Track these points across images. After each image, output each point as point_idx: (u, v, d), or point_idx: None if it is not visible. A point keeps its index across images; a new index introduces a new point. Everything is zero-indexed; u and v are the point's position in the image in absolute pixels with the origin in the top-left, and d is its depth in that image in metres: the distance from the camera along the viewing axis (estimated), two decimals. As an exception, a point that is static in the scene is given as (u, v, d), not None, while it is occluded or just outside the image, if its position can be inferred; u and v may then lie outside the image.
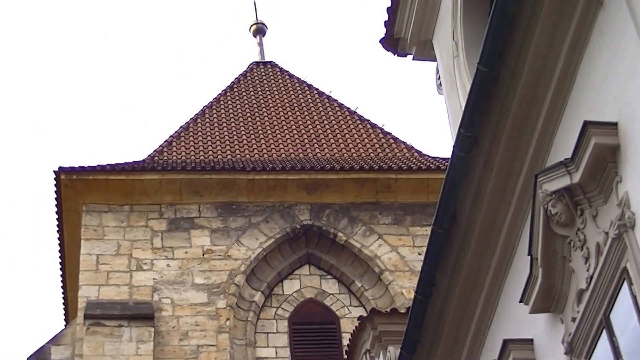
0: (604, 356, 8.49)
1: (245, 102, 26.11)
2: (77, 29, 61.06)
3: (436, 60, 13.44)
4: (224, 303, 20.09)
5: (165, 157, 22.84)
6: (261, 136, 24.26)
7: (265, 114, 25.48)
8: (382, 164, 22.12)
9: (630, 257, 7.98)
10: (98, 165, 21.51)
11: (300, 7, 61.38)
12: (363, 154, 23.34)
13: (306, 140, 24.09)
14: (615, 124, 8.19)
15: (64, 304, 23.14)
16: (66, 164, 21.25)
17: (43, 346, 20.02)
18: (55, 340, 20.25)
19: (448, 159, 11.05)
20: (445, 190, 10.52)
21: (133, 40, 60.95)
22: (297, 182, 21.46)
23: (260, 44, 29.83)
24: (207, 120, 25.07)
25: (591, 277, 8.54)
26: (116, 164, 21.69)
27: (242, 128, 24.66)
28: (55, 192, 21.21)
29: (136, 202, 21.23)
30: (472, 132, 9.99)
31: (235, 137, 24.18)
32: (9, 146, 56.74)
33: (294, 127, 24.77)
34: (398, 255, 20.95)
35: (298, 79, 27.56)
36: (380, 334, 14.61)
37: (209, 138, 24.07)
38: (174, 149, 23.44)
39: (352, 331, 15.96)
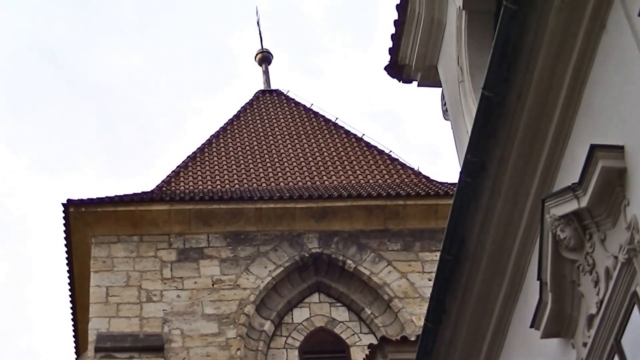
0: (617, 381, 8.42)
1: (252, 130, 26.12)
2: (86, 58, 61.27)
3: (441, 86, 13.42)
4: (234, 333, 20.01)
5: (174, 188, 22.84)
6: (268, 165, 24.24)
7: (272, 142, 25.47)
8: (390, 190, 22.07)
9: (640, 281, 7.94)
10: (106, 196, 21.50)
11: (305, 35, 61.54)
12: (371, 181, 23.30)
13: (313, 168, 24.06)
14: (621, 147, 8.17)
15: (74, 336, 23.09)
16: (74, 197, 21.28)
17: (55, 379, 20.04)
18: (66, 374, 20.34)
19: (456, 184, 11.02)
20: (453, 216, 10.48)
21: (139, 70, 61.14)
22: (305, 210, 21.42)
23: (266, 72, 29.87)
24: (214, 149, 25.07)
25: (601, 302, 8.48)
26: (124, 195, 21.67)
27: (249, 157, 24.65)
28: (64, 224, 21.20)
29: (145, 233, 21.19)
30: (478, 157, 9.96)
31: (242, 166, 24.17)
32: (17, 179, 56.84)
33: (301, 155, 24.75)
34: (408, 281, 20.86)
35: (304, 106, 27.56)
36: (390, 362, 14.58)
37: (217, 168, 24.07)
38: (182, 179, 23.44)
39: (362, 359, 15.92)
